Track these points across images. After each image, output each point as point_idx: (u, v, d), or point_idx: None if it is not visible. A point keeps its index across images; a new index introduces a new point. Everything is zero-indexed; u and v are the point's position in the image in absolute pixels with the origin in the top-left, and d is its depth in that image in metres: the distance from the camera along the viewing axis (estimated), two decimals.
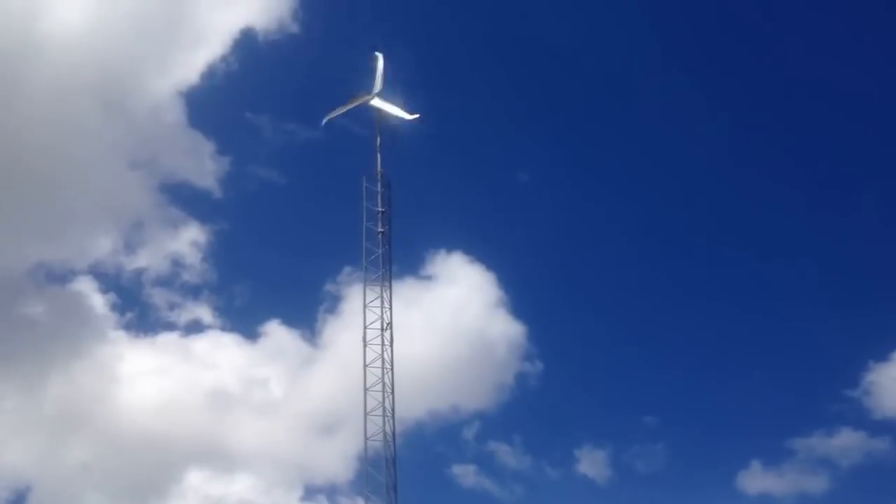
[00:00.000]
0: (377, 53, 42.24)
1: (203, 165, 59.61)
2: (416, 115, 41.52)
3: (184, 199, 59.76)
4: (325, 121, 42.67)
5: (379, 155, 41.09)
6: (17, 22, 54.31)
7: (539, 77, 65.12)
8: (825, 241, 60.44)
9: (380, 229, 39.94)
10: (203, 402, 55.59)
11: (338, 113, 42.22)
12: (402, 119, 41.52)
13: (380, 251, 39.74)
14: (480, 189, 63.30)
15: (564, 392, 58.55)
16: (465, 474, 55.41)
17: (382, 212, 40.14)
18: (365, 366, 38.53)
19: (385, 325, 39.05)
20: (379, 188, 40.44)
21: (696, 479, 54.77)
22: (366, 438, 37.74)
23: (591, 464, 55.79)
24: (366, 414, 37.95)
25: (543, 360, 57.70)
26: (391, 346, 38.84)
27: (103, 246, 58.57)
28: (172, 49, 59.56)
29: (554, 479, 55.73)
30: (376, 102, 41.67)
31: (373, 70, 42.07)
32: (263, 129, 62.56)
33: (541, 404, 57.65)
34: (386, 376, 38.36)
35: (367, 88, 41.96)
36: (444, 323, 58.84)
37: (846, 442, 54.55)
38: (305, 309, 58.98)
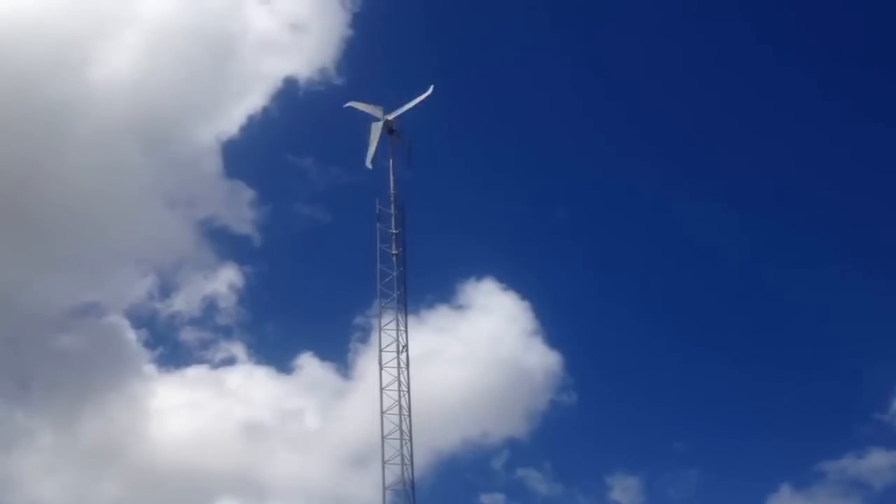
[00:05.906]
0: (431, 85, 41.34)
1: (242, 214, 60.06)
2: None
3: (222, 243, 60.42)
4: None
5: (392, 177, 41.04)
6: (71, 70, 55.54)
7: (581, 111, 65.80)
8: (853, 259, 59.85)
9: (393, 251, 39.82)
10: (236, 435, 55.42)
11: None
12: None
13: (394, 273, 39.61)
14: (516, 221, 63.42)
15: (596, 418, 58.03)
16: (494, 503, 54.77)
17: (396, 234, 40.05)
18: (381, 389, 38.23)
19: (401, 347, 38.73)
20: (392, 210, 40.38)
21: None
22: (383, 462, 37.33)
23: (624, 491, 55.17)
24: (383, 438, 37.58)
25: (577, 387, 57.16)
26: (407, 368, 38.48)
27: (140, 287, 59.23)
28: (217, 98, 60.57)
29: None
30: (374, 128, 41.32)
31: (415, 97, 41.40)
32: (306, 171, 63.11)
33: (572, 430, 57.27)
34: (402, 399, 38.04)
35: (388, 109, 41.69)
36: (479, 352, 58.35)
37: (878, 463, 53.85)
38: (338, 341, 58.83)
